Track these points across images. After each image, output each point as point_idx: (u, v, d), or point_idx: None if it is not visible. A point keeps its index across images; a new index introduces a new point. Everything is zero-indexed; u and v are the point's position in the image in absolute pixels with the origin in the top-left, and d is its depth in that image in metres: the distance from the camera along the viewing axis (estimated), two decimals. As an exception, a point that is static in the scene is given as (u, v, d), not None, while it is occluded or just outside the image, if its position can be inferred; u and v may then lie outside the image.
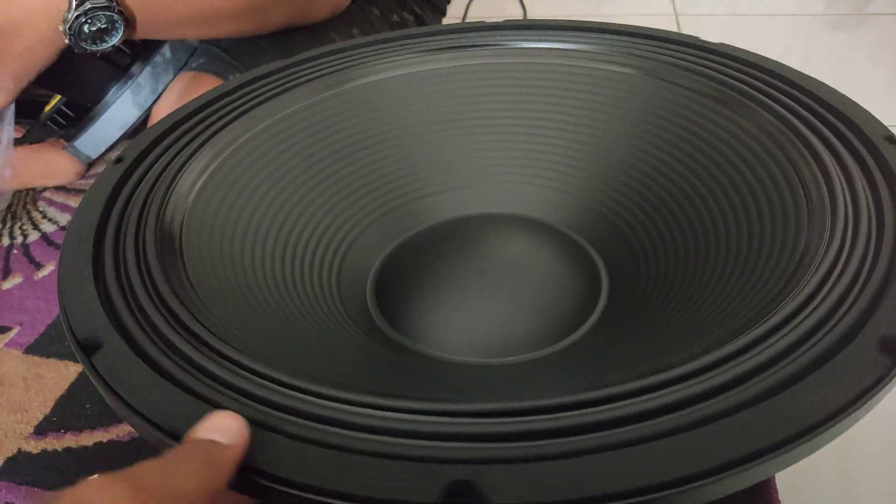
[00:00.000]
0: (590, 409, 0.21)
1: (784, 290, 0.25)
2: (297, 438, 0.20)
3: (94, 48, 0.45)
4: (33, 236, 0.60)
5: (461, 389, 0.30)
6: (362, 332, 0.34)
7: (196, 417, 0.21)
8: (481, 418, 0.21)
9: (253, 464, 0.20)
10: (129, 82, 0.54)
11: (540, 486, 0.19)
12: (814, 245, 0.27)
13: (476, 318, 0.36)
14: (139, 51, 0.55)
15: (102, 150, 0.56)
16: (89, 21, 0.43)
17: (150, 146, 0.35)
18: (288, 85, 0.40)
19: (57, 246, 0.59)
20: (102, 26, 0.44)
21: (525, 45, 0.44)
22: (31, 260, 0.58)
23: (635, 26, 0.43)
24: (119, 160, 0.34)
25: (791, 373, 0.21)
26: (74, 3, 0.42)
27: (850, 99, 0.34)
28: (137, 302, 0.26)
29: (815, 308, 0.23)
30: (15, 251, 0.59)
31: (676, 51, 0.41)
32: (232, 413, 0.21)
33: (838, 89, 0.36)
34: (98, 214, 0.30)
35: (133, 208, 0.31)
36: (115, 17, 0.44)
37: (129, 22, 0.46)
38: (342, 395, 0.21)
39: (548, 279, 0.38)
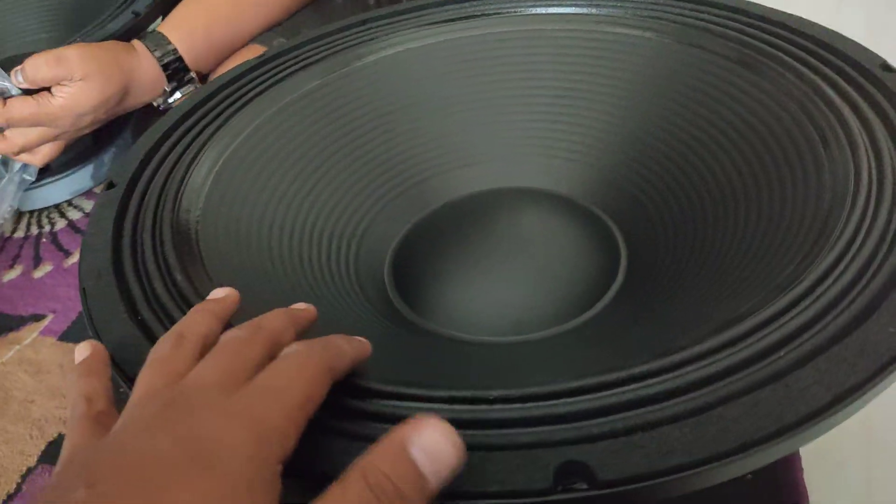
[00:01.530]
0: (671, 374, 0.21)
1: (820, 240, 0.25)
2: None
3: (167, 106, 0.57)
4: (60, 224, 0.61)
5: (500, 370, 0.30)
6: (382, 315, 0.34)
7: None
8: (576, 396, 0.21)
9: None
10: (94, 158, 0.59)
11: (646, 456, 0.19)
12: (840, 193, 0.27)
13: (498, 296, 0.36)
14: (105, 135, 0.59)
15: (39, 206, 0.59)
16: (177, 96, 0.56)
17: (159, 141, 0.35)
18: (295, 68, 0.40)
19: (84, 233, 0.60)
20: (185, 97, 0.56)
21: (538, 10, 0.42)
22: (60, 247, 0.59)
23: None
24: (113, 179, 0.34)
25: (854, 314, 0.22)
26: (170, 94, 0.55)
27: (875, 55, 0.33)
28: (173, 321, 0.26)
29: (859, 250, 0.24)
30: (44, 240, 0.60)
31: (694, 10, 0.39)
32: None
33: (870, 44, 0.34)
34: (110, 236, 0.30)
35: (147, 208, 0.31)
36: (196, 85, 0.56)
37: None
38: (426, 392, 0.22)
39: (566, 253, 0.38)
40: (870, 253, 0.24)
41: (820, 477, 0.32)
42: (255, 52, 0.57)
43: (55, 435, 0.42)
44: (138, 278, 0.27)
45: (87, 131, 0.54)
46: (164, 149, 0.35)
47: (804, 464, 0.31)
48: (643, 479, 0.19)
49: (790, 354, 0.22)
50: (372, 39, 0.41)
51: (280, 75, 0.39)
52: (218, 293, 0.26)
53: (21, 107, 0.48)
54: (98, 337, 0.25)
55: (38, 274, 0.56)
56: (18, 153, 0.52)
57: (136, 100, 0.54)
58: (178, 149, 0.35)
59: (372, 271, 0.37)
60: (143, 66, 0.53)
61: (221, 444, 0.18)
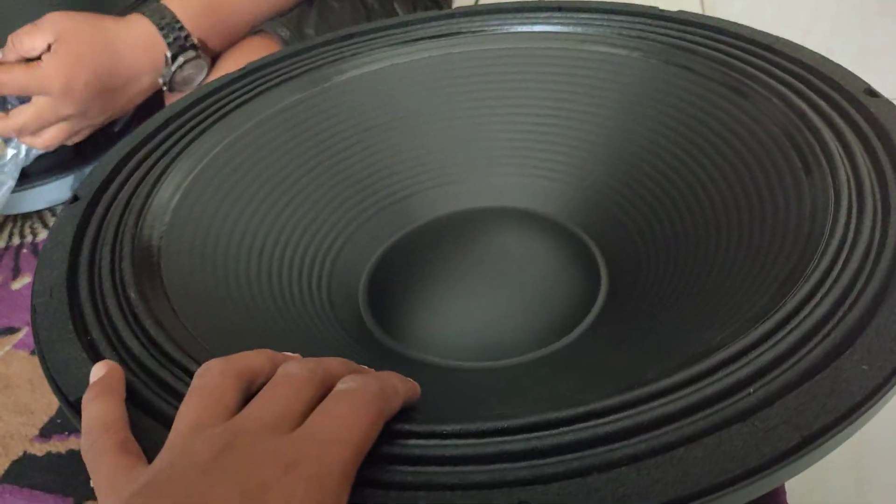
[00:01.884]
0: (633, 411, 0.21)
1: (797, 269, 0.25)
2: None
3: (185, 89, 0.54)
4: (42, 235, 0.61)
5: (463, 399, 0.29)
6: (356, 341, 0.33)
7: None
8: (533, 433, 0.20)
9: None
10: (76, 170, 0.57)
11: (600, 501, 0.19)
12: (819, 222, 0.26)
13: (474, 320, 0.35)
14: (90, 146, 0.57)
15: (10, 212, 0.58)
16: (181, 69, 0.52)
17: (129, 155, 0.34)
18: (274, 82, 0.39)
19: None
20: (192, 72, 0.53)
21: (523, 28, 0.42)
22: (41, 259, 0.58)
23: (633, 5, 0.41)
24: (78, 192, 0.33)
25: (826, 349, 0.21)
26: (171, 60, 0.51)
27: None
28: (122, 342, 0.25)
29: (836, 280, 0.23)
30: (24, 250, 0.59)
31: (681, 31, 0.38)
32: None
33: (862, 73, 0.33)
34: (68, 251, 0.29)
35: (105, 235, 0.30)
36: (203, 63, 0.53)
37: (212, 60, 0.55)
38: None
39: (546, 275, 0.37)
40: (845, 286, 0.23)
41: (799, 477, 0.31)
42: (261, 43, 0.56)
43: (20, 453, 0.41)
44: (92, 296, 0.26)
45: (96, 119, 0.52)
46: (132, 163, 0.34)
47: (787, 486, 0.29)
48: None
49: (759, 391, 0.21)
50: (354, 55, 0.41)
51: (259, 89, 0.39)
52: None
53: (9, 71, 0.47)
54: (42, 358, 0.24)
55: (16, 286, 0.55)
56: (20, 133, 0.51)
57: (134, 67, 0.51)
58: (148, 163, 0.34)
59: (346, 291, 0.37)
60: (132, 29, 0.51)
61: (284, 500, 0.17)
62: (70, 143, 0.53)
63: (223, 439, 0.19)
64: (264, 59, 0.41)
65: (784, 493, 0.32)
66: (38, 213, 0.63)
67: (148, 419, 0.22)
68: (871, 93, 0.32)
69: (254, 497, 0.17)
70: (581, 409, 0.21)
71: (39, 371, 0.46)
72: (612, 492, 0.19)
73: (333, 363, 0.23)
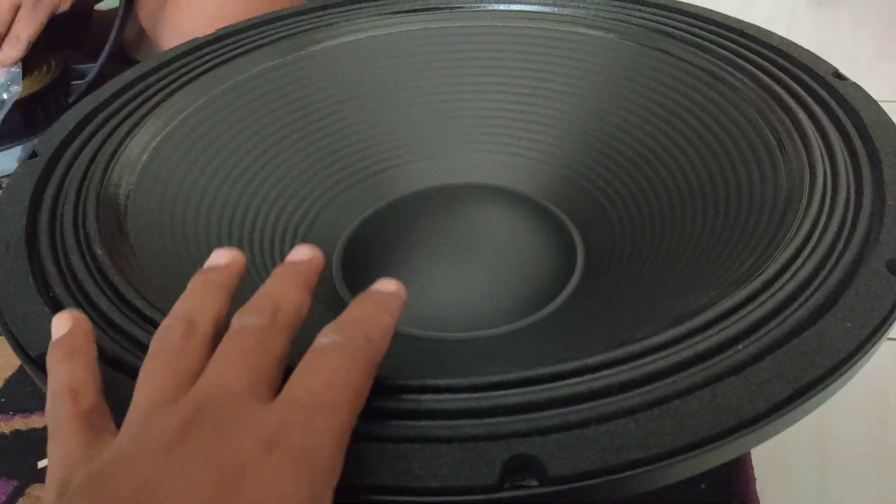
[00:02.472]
0: (627, 366, 0.20)
1: (776, 237, 0.25)
2: None
3: None
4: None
5: (449, 363, 0.28)
6: (330, 309, 0.32)
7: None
8: (528, 387, 0.20)
9: None
10: (24, 140, 0.53)
11: (600, 451, 0.18)
12: (796, 194, 0.27)
13: (451, 292, 0.34)
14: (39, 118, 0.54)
15: None
16: None
17: (93, 113, 0.33)
18: (248, 47, 0.38)
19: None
20: None
21: (502, 7, 0.42)
22: None
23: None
24: (37, 149, 0.31)
25: (811, 309, 0.22)
26: None
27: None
28: (87, 296, 0.23)
29: (816, 247, 0.24)
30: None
31: (656, 14, 0.39)
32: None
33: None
34: (26, 207, 0.27)
35: (68, 191, 0.28)
36: None
37: None
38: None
39: (521, 249, 0.36)
40: (826, 249, 0.24)
41: (773, 486, 0.32)
42: None
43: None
44: (53, 252, 0.25)
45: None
46: (97, 120, 0.32)
47: (756, 472, 0.30)
48: (596, 476, 0.18)
49: (748, 348, 0.21)
50: (330, 25, 0.40)
51: (232, 54, 0.37)
52: (220, 258, 0.21)
53: None
54: (0, 314, 0.22)
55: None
56: None
57: None
58: (114, 122, 0.32)
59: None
60: None
61: (267, 485, 0.15)
62: (32, 34, 0.50)
63: (187, 410, 0.16)
64: (235, 25, 0.39)
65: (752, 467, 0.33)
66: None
67: (119, 374, 0.20)
68: (839, 76, 0.33)
69: (230, 484, 0.14)
70: (575, 364, 0.20)
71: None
72: (610, 443, 0.18)
73: (288, 292, 0.20)
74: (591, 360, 0.21)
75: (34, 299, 0.23)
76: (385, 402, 0.20)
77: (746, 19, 0.38)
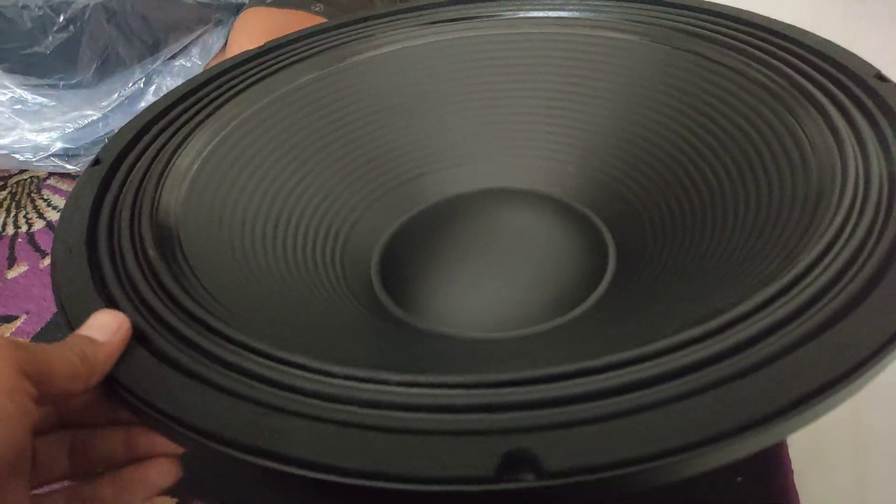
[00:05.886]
0: (633, 368, 0.20)
1: (808, 232, 0.25)
2: (339, 424, 0.19)
3: None
4: (38, 225, 0.60)
5: (474, 362, 0.29)
6: (369, 311, 0.34)
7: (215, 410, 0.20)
8: (529, 385, 0.20)
9: (315, 458, 0.19)
10: None
11: (596, 448, 0.18)
12: (826, 193, 0.26)
13: (485, 294, 0.35)
14: None
15: None
16: None
17: (150, 124, 0.35)
18: (291, 60, 0.40)
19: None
20: None
21: (534, 14, 0.42)
22: (37, 248, 0.58)
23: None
24: (100, 156, 0.32)
25: (843, 302, 0.22)
26: None
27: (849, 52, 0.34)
28: (141, 297, 0.25)
29: (848, 241, 0.24)
30: (20, 240, 0.59)
31: (685, 16, 0.39)
32: (112, 311, 0.22)
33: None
34: (87, 212, 0.29)
35: (125, 198, 0.30)
36: None
37: None
38: (379, 375, 0.21)
39: (555, 252, 0.37)
40: (858, 242, 0.24)
41: (811, 478, 0.31)
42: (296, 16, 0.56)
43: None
44: (111, 255, 0.26)
45: None
46: (153, 131, 0.34)
47: (794, 465, 0.30)
48: (594, 471, 0.18)
49: (781, 340, 0.21)
50: (370, 36, 0.41)
51: (276, 67, 0.39)
52: None
53: None
54: (62, 309, 0.24)
55: (11, 274, 0.55)
56: None
57: None
58: (168, 132, 0.34)
59: (358, 266, 0.37)
60: None
61: None
62: None
63: None
64: (283, 38, 0.41)
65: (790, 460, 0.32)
66: (34, 205, 0.63)
67: (166, 367, 0.22)
68: (881, 77, 0.32)
69: None
70: (607, 360, 0.21)
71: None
72: (643, 435, 0.18)
73: None
74: (625, 356, 0.21)
75: (93, 299, 0.24)
76: (467, 400, 0.20)
77: (772, 14, 0.38)
